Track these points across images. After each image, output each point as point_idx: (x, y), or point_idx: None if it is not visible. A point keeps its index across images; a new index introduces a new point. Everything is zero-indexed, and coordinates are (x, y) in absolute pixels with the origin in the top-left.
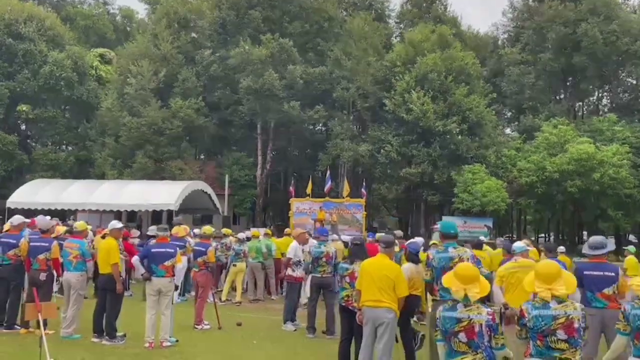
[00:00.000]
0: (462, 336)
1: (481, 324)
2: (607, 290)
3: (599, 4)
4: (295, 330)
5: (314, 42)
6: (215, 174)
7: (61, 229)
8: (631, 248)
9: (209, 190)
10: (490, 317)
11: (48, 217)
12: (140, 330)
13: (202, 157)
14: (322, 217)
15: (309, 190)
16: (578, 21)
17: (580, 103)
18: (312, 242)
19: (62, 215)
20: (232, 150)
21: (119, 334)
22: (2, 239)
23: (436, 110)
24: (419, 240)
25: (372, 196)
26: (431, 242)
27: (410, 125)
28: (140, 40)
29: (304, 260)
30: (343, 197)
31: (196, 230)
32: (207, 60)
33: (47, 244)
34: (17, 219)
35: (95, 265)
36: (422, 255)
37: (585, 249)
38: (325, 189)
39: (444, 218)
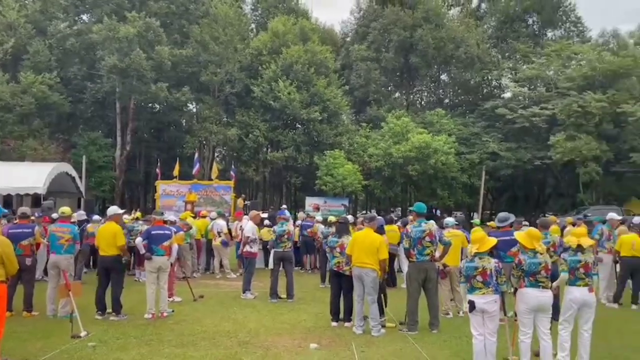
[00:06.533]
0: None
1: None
2: (514, 249)
3: (431, 13)
4: (254, 297)
5: (179, 23)
6: (68, 154)
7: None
8: (476, 221)
9: (73, 172)
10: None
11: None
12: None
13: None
14: (192, 199)
15: (176, 172)
16: (414, 27)
17: (415, 98)
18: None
19: None
20: (84, 130)
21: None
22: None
23: (300, 100)
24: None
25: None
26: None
27: (277, 112)
28: None
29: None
30: (212, 179)
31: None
32: (62, 33)
33: (29, 230)
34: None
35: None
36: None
37: (496, 222)
38: (194, 171)
39: (307, 198)
